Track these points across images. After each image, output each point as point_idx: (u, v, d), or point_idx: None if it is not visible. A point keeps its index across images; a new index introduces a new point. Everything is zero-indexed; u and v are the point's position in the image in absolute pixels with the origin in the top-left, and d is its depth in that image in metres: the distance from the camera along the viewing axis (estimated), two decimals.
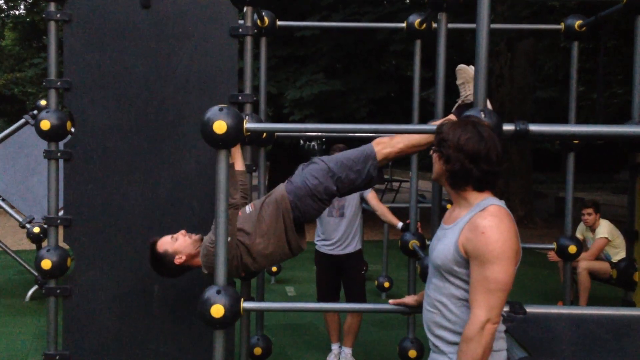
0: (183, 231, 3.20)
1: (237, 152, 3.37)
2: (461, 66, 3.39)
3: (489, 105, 2.90)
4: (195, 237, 3.18)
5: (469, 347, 2.10)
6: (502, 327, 2.26)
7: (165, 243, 3.16)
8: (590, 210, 6.82)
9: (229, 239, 2.81)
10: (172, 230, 3.35)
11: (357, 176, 3.05)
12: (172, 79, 3.53)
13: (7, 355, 5.41)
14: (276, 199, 3.11)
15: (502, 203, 2.24)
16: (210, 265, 2.96)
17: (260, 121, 3.67)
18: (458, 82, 3.41)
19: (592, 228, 6.86)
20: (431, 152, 2.36)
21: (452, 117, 3.19)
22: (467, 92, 3.33)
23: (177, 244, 3.15)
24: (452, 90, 3.49)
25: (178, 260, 3.13)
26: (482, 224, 2.14)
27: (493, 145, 2.22)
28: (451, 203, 2.46)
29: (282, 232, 3.09)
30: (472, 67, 3.36)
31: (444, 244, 2.26)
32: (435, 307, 2.28)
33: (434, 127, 3.02)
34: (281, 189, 3.14)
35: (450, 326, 2.23)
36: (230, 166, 3.01)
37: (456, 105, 3.36)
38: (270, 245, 3.08)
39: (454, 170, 2.23)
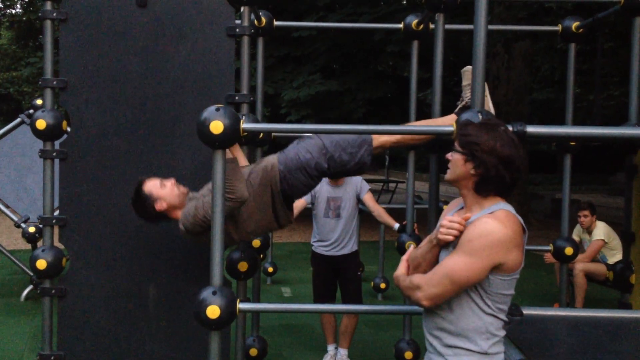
0: (173, 180, 3.19)
1: (238, 151, 3.34)
2: (468, 68, 3.38)
3: (491, 107, 2.89)
4: (183, 189, 3.17)
5: (406, 282, 2.24)
6: (502, 332, 2.24)
7: (153, 186, 3.15)
8: (586, 212, 6.82)
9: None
10: (167, 230, 3.34)
11: (350, 159, 3.06)
12: (168, 78, 3.52)
13: (2, 356, 5.39)
14: (266, 168, 3.10)
15: (512, 209, 2.21)
16: (190, 229, 2.99)
17: (257, 121, 3.66)
18: (464, 83, 3.40)
19: (589, 230, 6.86)
20: (451, 154, 2.27)
21: (453, 116, 3.19)
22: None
23: (163, 190, 3.14)
24: (449, 91, 3.48)
25: (159, 206, 3.13)
26: (481, 220, 2.12)
27: (523, 152, 2.22)
28: (447, 204, 2.44)
29: (269, 202, 3.09)
30: None
31: (450, 247, 2.23)
32: (437, 307, 2.27)
33: (430, 128, 3.03)
34: (273, 157, 3.14)
35: (449, 327, 2.21)
36: (234, 160, 2.97)
37: (459, 107, 3.35)
38: (255, 214, 3.07)
39: (488, 176, 2.17)
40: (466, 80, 3.38)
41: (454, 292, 2.13)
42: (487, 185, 2.20)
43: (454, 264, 2.10)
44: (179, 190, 3.16)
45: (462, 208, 2.35)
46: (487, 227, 2.10)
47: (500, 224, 2.11)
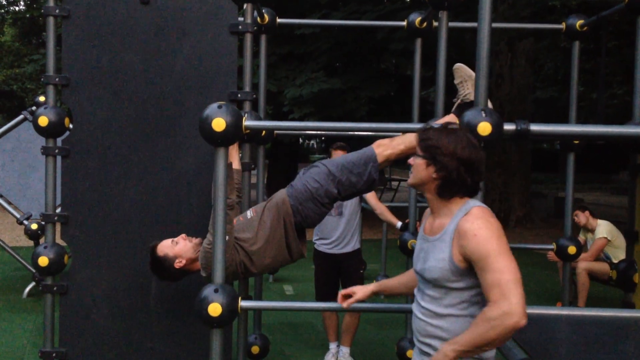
0: (183, 235, 3.19)
1: (233, 150, 3.35)
2: (458, 65, 3.37)
3: (489, 105, 2.88)
4: (195, 240, 3.16)
5: (483, 326, 2.04)
6: None
7: (166, 247, 3.14)
8: (576, 212, 6.80)
9: (227, 237, 2.79)
10: (170, 228, 3.34)
11: (359, 179, 3.05)
12: (171, 75, 3.51)
13: (4, 352, 5.39)
14: (277, 204, 3.09)
15: (481, 203, 2.24)
16: (208, 267, 2.95)
17: (259, 119, 3.66)
18: (456, 81, 3.39)
19: (590, 229, 6.84)
20: (413, 159, 2.30)
21: (452, 116, 3.18)
22: (465, 90, 3.32)
23: (177, 247, 3.13)
24: (452, 90, 3.47)
25: (178, 264, 3.12)
26: (471, 227, 2.12)
27: (483, 155, 2.24)
28: None
29: (283, 237, 3.08)
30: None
31: (437, 258, 2.21)
32: (429, 316, 2.26)
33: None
34: (282, 193, 3.13)
35: (442, 335, 2.21)
36: (228, 166, 2.99)
37: (455, 104, 3.35)
38: (270, 250, 3.07)
39: (450, 179, 2.19)
40: (458, 78, 3.38)
41: None
42: (449, 188, 2.22)
43: (509, 266, 2.04)
44: (192, 242, 3.16)
45: (431, 214, 2.36)
46: (483, 230, 2.10)
47: (486, 221, 2.13)
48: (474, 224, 2.12)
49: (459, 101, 3.35)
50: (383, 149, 3.08)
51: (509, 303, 2.00)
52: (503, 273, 2.04)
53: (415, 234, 4.21)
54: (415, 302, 2.39)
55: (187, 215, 3.52)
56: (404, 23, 4.21)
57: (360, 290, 2.75)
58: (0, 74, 20.22)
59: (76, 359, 3.53)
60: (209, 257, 2.90)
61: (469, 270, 2.15)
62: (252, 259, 3.06)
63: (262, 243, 3.05)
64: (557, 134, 2.96)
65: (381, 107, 15.65)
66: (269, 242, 3.06)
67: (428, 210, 2.42)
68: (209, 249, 2.90)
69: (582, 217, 6.82)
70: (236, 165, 3.38)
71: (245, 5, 3.44)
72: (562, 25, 4.31)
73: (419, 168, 2.26)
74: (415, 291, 2.42)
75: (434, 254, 2.23)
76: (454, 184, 2.20)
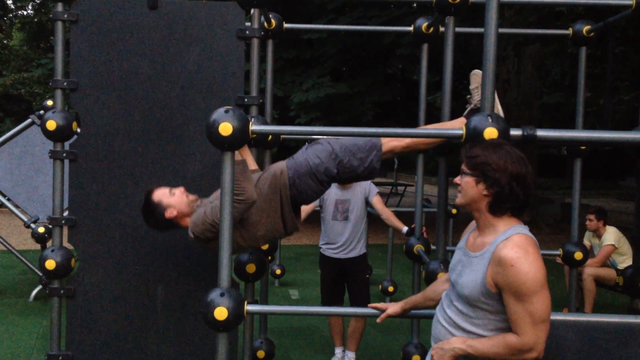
0: (182, 188, 3.19)
1: (247, 153, 3.33)
2: (476, 71, 3.38)
3: (500, 110, 2.88)
4: (191, 197, 3.18)
5: (504, 350, 2.10)
6: None
7: (162, 194, 3.15)
8: (591, 217, 6.81)
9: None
10: (177, 233, 3.34)
11: (360, 164, 3.06)
12: (178, 80, 3.53)
13: (11, 355, 5.41)
14: (275, 173, 3.09)
15: (526, 230, 2.20)
16: (199, 236, 2.97)
17: (266, 123, 3.67)
18: (472, 86, 3.40)
19: (598, 235, 6.83)
20: (460, 178, 2.27)
21: (462, 120, 3.18)
22: (480, 96, 3.32)
23: (173, 198, 3.14)
24: (459, 95, 3.47)
25: (169, 214, 3.12)
26: (508, 255, 2.08)
27: (531, 169, 2.22)
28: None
29: (278, 207, 3.07)
30: None
31: (472, 276, 2.20)
32: (453, 327, 2.26)
33: (439, 131, 3.03)
34: (281, 164, 3.13)
35: None
36: (243, 162, 2.97)
37: (468, 109, 3.34)
38: (264, 219, 3.06)
39: (503, 194, 2.16)
40: (474, 84, 3.38)
41: None
42: (501, 204, 2.19)
43: (540, 308, 2.07)
44: (188, 197, 3.16)
45: (476, 228, 2.34)
46: (521, 262, 2.07)
47: (526, 252, 2.09)
48: (512, 252, 2.08)
49: (472, 106, 3.35)
50: (389, 139, 3.09)
51: (536, 341, 2.07)
52: (535, 312, 2.06)
53: (421, 239, 4.21)
54: (440, 307, 2.38)
55: None
56: (411, 28, 4.21)
57: (391, 307, 2.83)
58: (8, 78, 20.35)
59: None
60: (206, 231, 2.93)
61: (500, 295, 2.13)
62: (245, 228, 3.05)
63: (256, 211, 3.03)
64: (564, 139, 2.96)
65: (387, 112, 15.65)
66: (262, 211, 3.04)
67: (473, 222, 2.40)
68: (208, 223, 2.91)
69: (593, 225, 6.82)
70: (252, 165, 3.36)
71: (252, 11, 3.46)
72: (569, 31, 4.30)
73: (468, 186, 2.23)
74: (444, 296, 2.40)
75: (470, 271, 2.22)
76: (506, 200, 2.17)
